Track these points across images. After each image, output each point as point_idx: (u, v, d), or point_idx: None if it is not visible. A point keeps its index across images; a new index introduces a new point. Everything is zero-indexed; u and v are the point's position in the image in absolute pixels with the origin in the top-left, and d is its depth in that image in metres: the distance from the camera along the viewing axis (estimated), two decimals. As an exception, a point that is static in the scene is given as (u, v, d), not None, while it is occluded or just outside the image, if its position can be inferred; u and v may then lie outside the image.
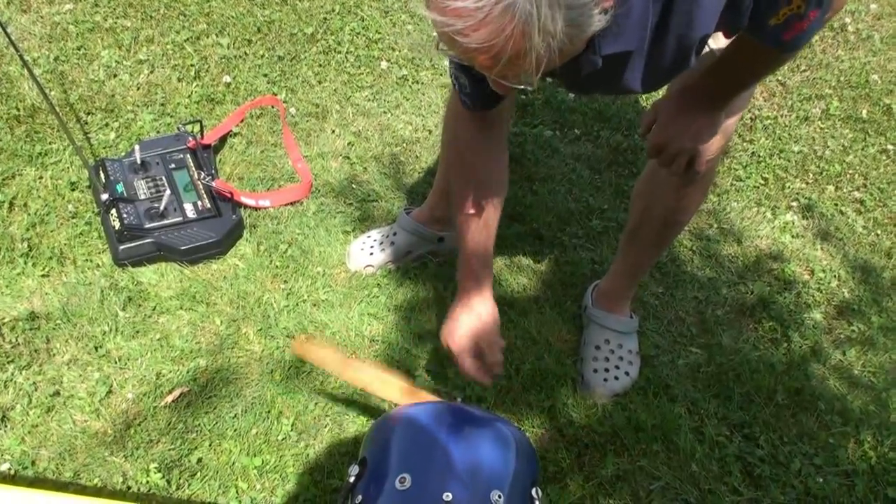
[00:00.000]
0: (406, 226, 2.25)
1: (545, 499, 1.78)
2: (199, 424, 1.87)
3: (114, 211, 2.18)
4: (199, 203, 2.26)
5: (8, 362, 1.94)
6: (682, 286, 2.30)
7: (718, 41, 1.52)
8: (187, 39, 2.84)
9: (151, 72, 2.72)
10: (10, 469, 1.76)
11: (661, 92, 1.70)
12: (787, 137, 2.83)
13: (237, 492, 1.76)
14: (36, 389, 1.90)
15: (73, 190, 2.33)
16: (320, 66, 2.86)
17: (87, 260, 2.17)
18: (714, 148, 1.62)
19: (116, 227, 2.15)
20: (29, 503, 1.40)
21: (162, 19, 2.91)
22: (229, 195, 2.29)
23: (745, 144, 2.79)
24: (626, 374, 2.03)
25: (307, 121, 2.66)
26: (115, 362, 1.96)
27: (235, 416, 1.89)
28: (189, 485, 1.76)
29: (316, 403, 1.93)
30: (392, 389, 1.55)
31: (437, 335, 2.06)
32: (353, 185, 2.47)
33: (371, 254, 2.23)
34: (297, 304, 2.13)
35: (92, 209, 2.29)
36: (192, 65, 2.75)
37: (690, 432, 1.94)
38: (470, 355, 1.63)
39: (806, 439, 1.97)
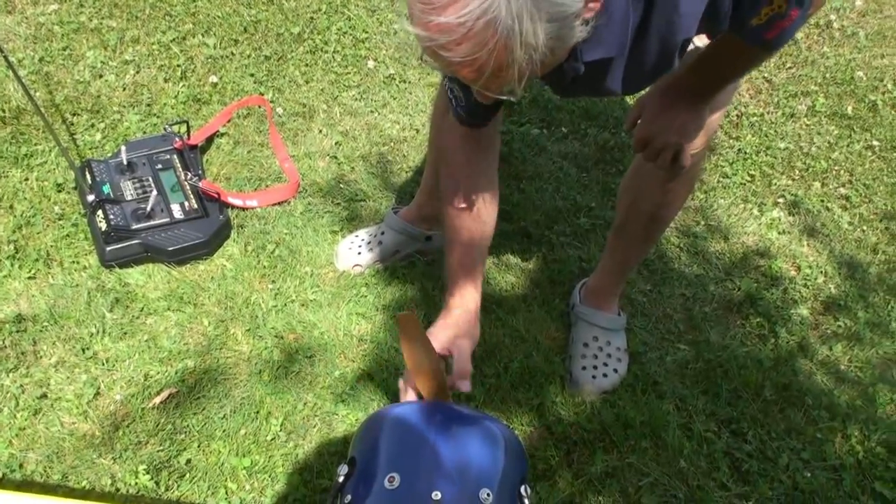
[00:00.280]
0: (394, 225, 2.25)
1: (534, 496, 1.78)
2: (188, 425, 1.86)
3: (100, 212, 2.17)
4: (186, 204, 2.25)
5: (-5, 365, 1.93)
6: (669, 283, 2.31)
7: (703, 39, 1.53)
8: (173, 39, 2.83)
9: (137, 72, 2.71)
10: (-3, 472, 1.75)
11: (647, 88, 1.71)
12: (774, 134, 2.84)
13: (226, 492, 1.76)
14: (23, 392, 1.89)
15: (59, 191, 2.32)
16: (307, 65, 2.85)
17: (73, 262, 2.16)
18: (699, 142, 1.63)
19: (103, 229, 2.14)
20: (17, 506, 1.40)
21: (147, 19, 2.90)
22: (216, 195, 2.28)
23: (731, 141, 2.80)
24: (615, 371, 2.03)
25: (294, 120, 2.66)
26: (103, 364, 1.96)
27: (224, 416, 1.89)
28: (178, 486, 1.76)
29: (305, 403, 1.93)
30: (423, 385, 1.50)
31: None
32: (341, 185, 2.47)
33: (359, 253, 2.22)
34: (285, 305, 2.13)
35: (78, 210, 2.28)
36: (178, 65, 2.74)
37: (679, 428, 1.95)
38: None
39: (794, 434, 1.98)
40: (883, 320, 2.28)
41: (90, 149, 2.46)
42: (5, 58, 2.17)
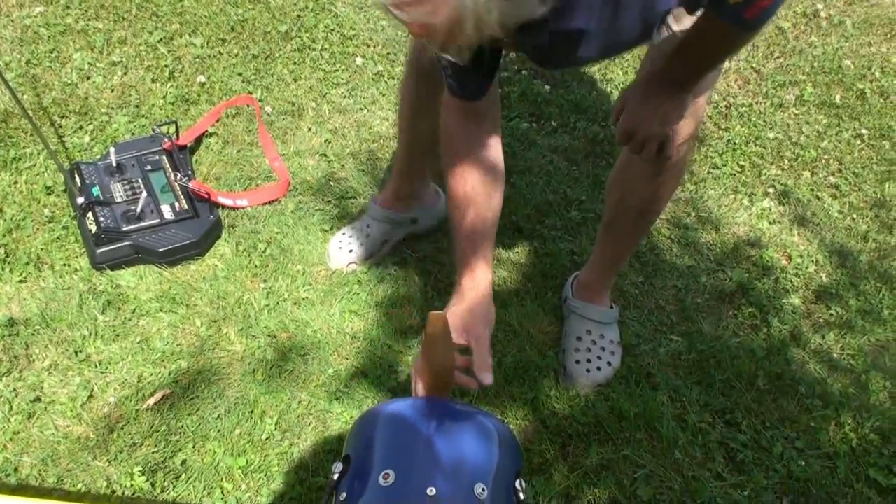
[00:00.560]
0: (377, 215, 2.25)
1: (530, 490, 1.78)
2: (183, 426, 1.86)
3: (90, 214, 2.17)
4: (177, 204, 2.25)
5: (-13, 369, 1.93)
6: (661, 275, 2.31)
7: (682, 23, 1.53)
8: (160, 40, 2.82)
9: (125, 73, 2.70)
10: (-8, 477, 1.75)
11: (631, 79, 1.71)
12: (763, 124, 2.84)
13: (222, 492, 1.76)
14: (16, 396, 1.89)
15: (48, 194, 2.31)
16: (295, 63, 2.85)
17: (64, 264, 2.16)
18: (685, 132, 1.62)
19: (93, 231, 2.14)
20: (12, 510, 1.39)
21: (134, 20, 2.89)
22: (206, 196, 2.28)
23: (720, 132, 2.80)
24: (608, 364, 2.04)
25: (283, 119, 2.66)
26: (96, 366, 1.95)
27: (218, 416, 1.89)
28: (174, 487, 1.76)
29: (299, 402, 1.93)
30: (427, 380, 1.48)
31: (418, 331, 2.07)
32: (331, 183, 2.46)
33: (350, 251, 2.22)
34: (277, 303, 2.13)
35: (68, 213, 2.27)
36: (165, 65, 2.74)
37: (673, 420, 1.95)
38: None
39: (787, 423, 1.99)
40: (874, 308, 2.29)
41: (79, 151, 2.45)
42: (-8, 61, 2.16)
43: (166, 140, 2.40)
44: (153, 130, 2.45)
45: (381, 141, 2.62)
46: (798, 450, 1.93)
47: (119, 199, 2.23)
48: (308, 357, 2.02)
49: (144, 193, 2.22)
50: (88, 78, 2.67)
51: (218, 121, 2.59)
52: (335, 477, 1.20)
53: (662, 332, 2.17)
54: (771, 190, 2.62)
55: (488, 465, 1.21)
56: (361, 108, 2.73)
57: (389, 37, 3.00)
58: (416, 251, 2.29)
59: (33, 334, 2.00)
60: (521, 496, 1.19)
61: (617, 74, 2.97)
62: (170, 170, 2.33)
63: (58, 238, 2.21)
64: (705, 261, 2.37)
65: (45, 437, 1.82)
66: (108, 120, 2.54)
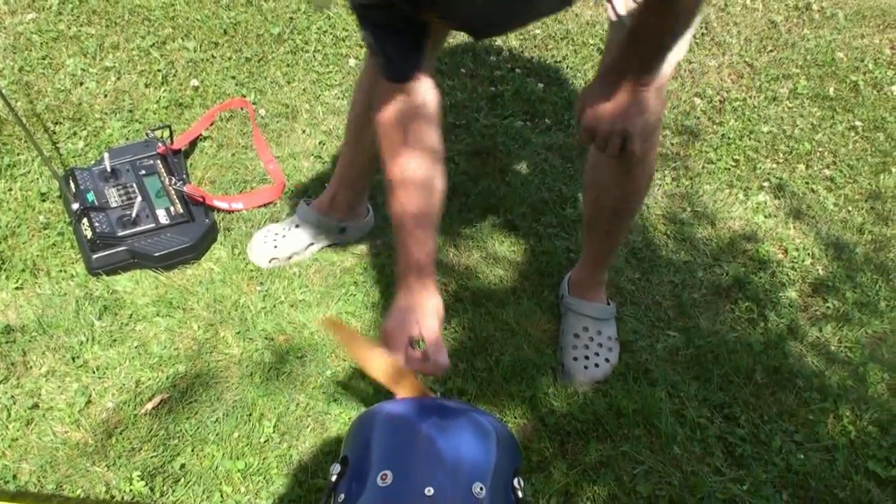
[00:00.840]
0: (307, 217, 2.25)
1: (529, 488, 1.78)
2: (181, 430, 1.86)
3: (85, 220, 2.16)
4: (172, 208, 2.25)
5: (-15, 377, 1.93)
6: (657, 271, 2.32)
7: (628, 4, 1.54)
8: (153, 44, 2.82)
9: (118, 78, 2.70)
10: (-9, 484, 1.75)
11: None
12: (757, 118, 2.85)
13: (222, 496, 1.76)
14: (14, 403, 1.88)
15: (43, 201, 2.31)
16: (288, 66, 2.85)
17: (60, 270, 2.16)
18: (648, 125, 1.62)
19: (89, 237, 2.13)
20: (11, 518, 1.39)
21: (126, 25, 2.89)
22: (201, 199, 2.28)
23: (714, 127, 2.81)
24: (606, 360, 2.04)
25: (277, 121, 2.66)
26: (94, 372, 1.95)
27: (217, 420, 1.89)
28: (173, 491, 1.75)
29: (297, 404, 1.93)
30: (379, 370, 1.48)
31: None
32: (326, 185, 2.46)
33: (275, 246, 2.22)
34: (274, 306, 2.13)
35: (64, 219, 2.27)
36: (158, 70, 2.73)
37: (671, 415, 1.95)
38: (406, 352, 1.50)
39: (786, 417, 1.99)
40: (871, 300, 2.29)
41: (73, 157, 2.45)
42: (-16, 68, 2.16)
43: (160, 144, 2.40)
44: (147, 135, 2.45)
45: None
46: (797, 443, 1.93)
47: (114, 205, 2.22)
48: (305, 359, 2.02)
49: (139, 198, 2.22)
50: (81, 84, 2.67)
51: (212, 124, 2.59)
52: (333, 478, 1.20)
53: (660, 327, 2.17)
54: (766, 184, 2.62)
55: (486, 465, 1.21)
56: (355, 109, 2.73)
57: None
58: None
59: (30, 341, 2.00)
60: (520, 494, 1.19)
61: (610, 71, 2.97)
62: (164, 174, 2.33)
63: (53, 244, 2.21)
64: (701, 256, 2.37)
65: (43, 444, 1.81)
66: (102, 125, 2.54)
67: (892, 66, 3.13)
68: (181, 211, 2.24)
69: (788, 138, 2.78)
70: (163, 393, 1.92)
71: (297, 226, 2.25)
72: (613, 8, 1.58)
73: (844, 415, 1.99)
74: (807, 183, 2.63)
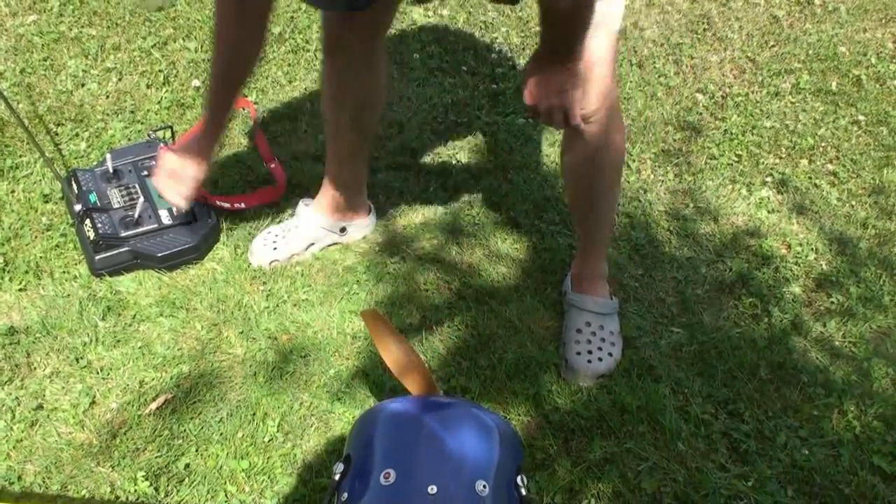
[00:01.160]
0: (308, 219, 2.26)
1: (533, 485, 1.78)
2: (185, 430, 1.86)
3: (88, 221, 2.17)
4: (174, 209, 2.25)
5: (-11, 379, 1.93)
6: (661, 267, 2.31)
7: None
8: (154, 45, 2.82)
9: (120, 79, 2.71)
10: (-4, 486, 1.75)
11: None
12: (759, 113, 2.84)
13: (226, 495, 1.76)
14: (19, 404, 1.89)
15: (46, 202, 2.31)
16: (290, 65, 2.85)
17: (64, 272, 2.16)
18: (591, 98, 1.70)
19: (91, 238, 2.14)
20: (15, 519, 1.39)
21: (128, 26, 2.90)
22: (204, 199, 2.28)
23: (717, 122, 2.80)
24: (609, 354, 2.03)
25: (279, 121, 2.66)
26: (97, 373, 1.96)
27: (221, 420, 1.89)
28: (177, 491, 1.76)
29: (301, 403, 1.93)
30: (391, 361, 1.51)
31: (419, 329, 2.08)
32: (329, 183, 2.46)
33: (275, 248, 2.23)
34: (277, 305, 2.13)
35: (66, 221, 2.27)
36: (160, 70, 2.74)
37: (675, 412, 1.95)
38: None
39: (790, 412, 1.98)
40: (875, 295, 2.28)
41: (75, 158, 2.46)
42: (-15, 70, 2.17)
43: (162, 145, 2.40)
44: (149, 136, 2.45)
45: (377, 140, 2.62)
46: (801, 439, 1.93)
47: (116, 206, 2.23)
48: (309, 358, 2.02)
49: (142, 199, 2.22)
50: (83, 85, 2.67)
51: (214, 124, 2.59)
52: (336, 477, 1.20)
53: (663, 324, 2.17)
54: (769, 179, 2.61)
55: (489, 462, 1.21)
56: (357, 108, 2.72)
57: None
58: (414, 249, 2.29)
59: (34, 342, 2.00)
60: (523, 492, 1.19)
61: (612, 67, 2.97)
62: (166, 174, 2.33)
63: (56, 246, 2.21)
64: (705, 252, 2.37)
65: (48, 445, 1.82)
66: (104, 126, 2.55)
67: (894, 60, 3.12)
68: (184, 211, 2.24)
69: (791, 133, 2.77)
70: (167, 393, 1.93)
71: (297, 227, 2.25)
72: None
73: (849, 410, 1.99)
74: (810, 178, 2.63)
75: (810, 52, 3.09)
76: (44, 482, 1.75)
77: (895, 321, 2.22)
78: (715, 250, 2.38)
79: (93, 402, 1.90)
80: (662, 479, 1.83)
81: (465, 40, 3.06)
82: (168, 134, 2.45)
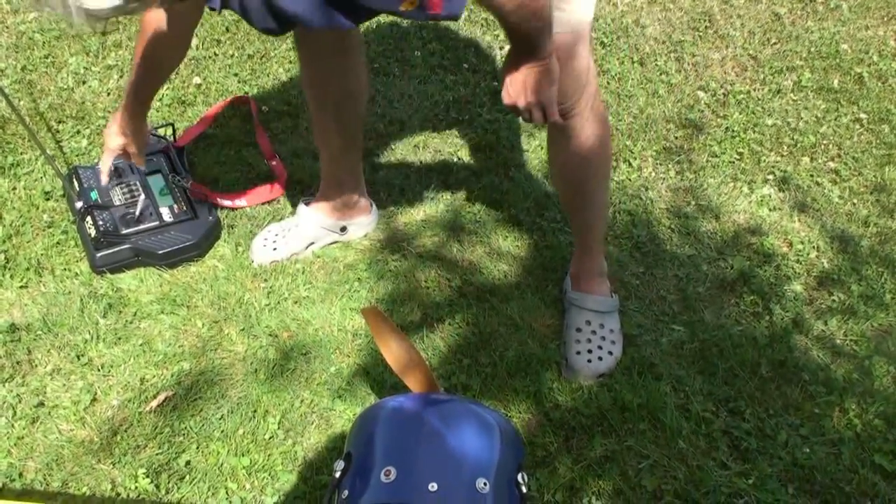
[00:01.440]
0: (308, 218, 2.25)
1: (534, 483, 1.78)
2: (186, 427, 1.86)
3: (89, 218, 2.17)
4: (175, 206, 2.25)
5: (-10, 376, 1.93)
6: (662, 265, 2.31)
7: None
8: (155, 42, 2.82)
9: (121, 77, 2.70)
10: (-3, 482, 1.75)
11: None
12: (761, 111, 2.84)
13: (227, 492, 1.76)
14: (20, 401, 1.89)
15: (47, 199, 2.31)
16: (291, 62, 2.85)
17: (65, 269, 2.16)
18: (570, 93, 1.73)
19: (93, 235, 2.14)
20: (16, 516, 1.40)
21: (128, 23, 2.89)
22: (205, 197, 2.28)
23: (718, 120, 2.80)
24: (610, 353, 2.03)
25: (280, 119, 2.66)
26: (98, 370, 1.96)
27: (222, 417, 1.89)
28: (178, 488, 1.76)
29: (301, 401, 1.93)
30: (392, 359, 1.52)
31: (420, 327, 2.07)
32: (330, 181, 2.46)
33: (275, 249, 2.23)
34: (278, 303, 2.13)
35: (67, 218, 2.27)
36: (161, 67, 2.73)
37: (676, 410, 1.95)
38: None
39: (791, 410, 1.98)
40: (877, 293, 2.28)
41: (76, 155, 2.46)
42: (-13, 68, 2.17)
43: (163, 142, 2.40)
44: (150, 133, 2.45)
45: (378, 138, 2.62)
46: (802, 437, 1.93)
47: (118, 203, 2.23)
48: (310, 355, 2.02)
49: (143, 196, 2.22)
50: (84, 82, 2.67)
51: (215, 122, 2.59)
52: (337, 475, 1.20)
53: (664, 321, 2.17)
54: (770, 177, 2.61)
55: (489, 460, 1.21)
56: (358, 106, 2.72)
57: (385, 33, 2.99)
58: (415, 247, 2.29)
59: (35, 339, 2.00)
60: (524, 489, 1.19)
61: (613, 65, 2.97)
62: (168, 172, 2.33)
63: (57, 243, 2.21)
64: (706, 249, 2.37)
65: (49, 442, 1.82)
66: (105, 123, 2.54)
67: (896, 58, 3.12)
68: (185, 208, 2.25)
69: (793, 131, 2.77)
70: (167, 390, 1.93)
71: (297, 226, 2.25)
72: None
73: (850, 408, 1.99)
74: (811, 176, 2.62)
75: (812, 49, 3.08)
76: (45, 479, 1.76)
77: (896, 319, 2.22)
78: (716, 248, 2.37)
79: (94, 400, 1.90)
80: (663, 476, 1.83)
81: (467, 38, 3.06)
82: (169, 131, 2.45)
